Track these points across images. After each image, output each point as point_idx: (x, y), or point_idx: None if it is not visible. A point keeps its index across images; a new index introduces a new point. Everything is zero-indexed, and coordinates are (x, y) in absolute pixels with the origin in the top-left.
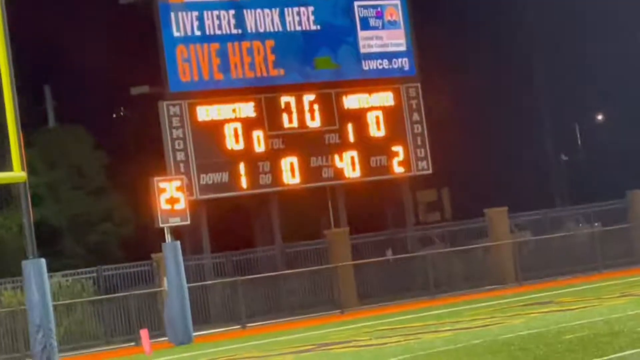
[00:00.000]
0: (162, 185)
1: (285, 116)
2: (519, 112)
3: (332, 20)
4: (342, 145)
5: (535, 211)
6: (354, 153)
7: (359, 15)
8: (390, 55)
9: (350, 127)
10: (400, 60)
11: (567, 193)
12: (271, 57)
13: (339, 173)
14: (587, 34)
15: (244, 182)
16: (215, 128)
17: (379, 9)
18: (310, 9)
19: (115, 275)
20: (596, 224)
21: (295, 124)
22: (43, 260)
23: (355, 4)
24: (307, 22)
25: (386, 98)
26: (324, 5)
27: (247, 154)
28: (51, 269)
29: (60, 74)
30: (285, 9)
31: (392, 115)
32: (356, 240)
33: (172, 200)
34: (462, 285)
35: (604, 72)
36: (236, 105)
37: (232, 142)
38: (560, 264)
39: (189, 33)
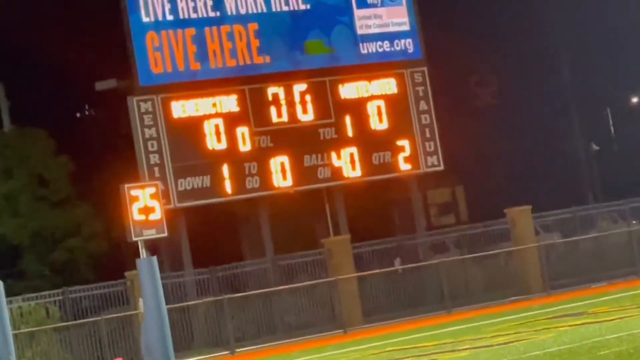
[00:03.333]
0: (133, 192)
1: (273, 109)
2: (541, 96)
3: None
4: (340, 141)
5: (564, 210)
6: (354, 149)
7: None
8: (391, 36)
9: (348, 119)
10: (403, 41)
11: (599, 188)
12: (255, 43)
13: (336, 173)
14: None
15: (228, 187)
16: (193, 126)
17: None
18: None
19: (85, 298)
20: (634, 222)
21: (285, 118)
22: (0, 283)
23: None
24: (295, 1)
25: (388, 85)
26: None
27: (231, 155)
28: (11, 292)
29: (14, 69)
30: None
31: (395, 105)
32: (359, 249)
33: (146, 210)
34: (481, 297)
35: (638, 46)
36: (217, 99)
37: (214, 141)
38: (593, 269)
39: (160, 18)
